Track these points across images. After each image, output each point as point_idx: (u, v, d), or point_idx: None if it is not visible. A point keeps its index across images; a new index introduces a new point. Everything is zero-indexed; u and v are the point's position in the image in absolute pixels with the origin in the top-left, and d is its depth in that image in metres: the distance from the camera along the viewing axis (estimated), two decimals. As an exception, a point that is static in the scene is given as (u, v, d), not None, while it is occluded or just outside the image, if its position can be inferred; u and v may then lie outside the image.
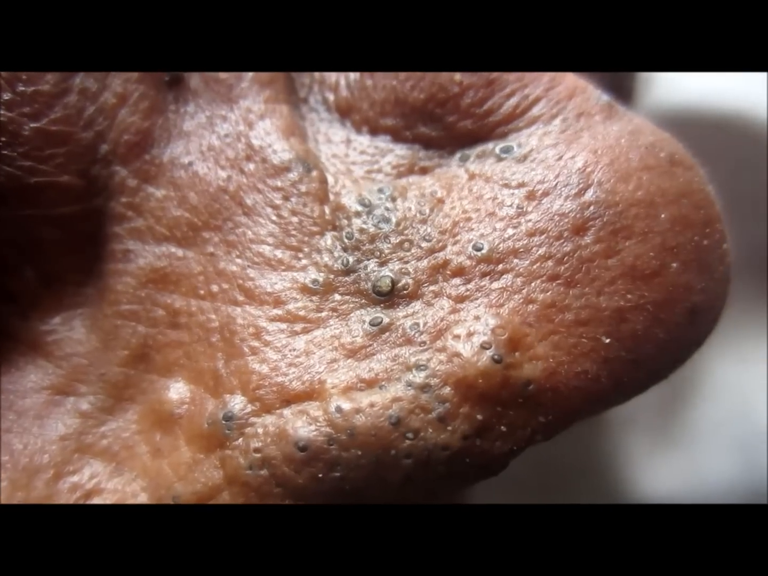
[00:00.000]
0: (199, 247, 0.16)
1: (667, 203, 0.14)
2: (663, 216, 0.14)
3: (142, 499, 0.14)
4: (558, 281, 0.13)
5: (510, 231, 0.14)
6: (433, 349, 0.13)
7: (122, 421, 0.15)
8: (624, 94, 0.28)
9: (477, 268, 0.14)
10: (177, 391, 0.15)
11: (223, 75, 0.17)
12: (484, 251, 0.14)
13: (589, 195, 0.14)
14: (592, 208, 0.14)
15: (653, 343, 0.14)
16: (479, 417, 0.13)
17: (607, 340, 0.13)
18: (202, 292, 0.15)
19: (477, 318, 0.13)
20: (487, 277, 0.14)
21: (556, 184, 0.14)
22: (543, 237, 0.14)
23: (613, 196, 0.14)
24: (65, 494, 0.14)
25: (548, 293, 0.13)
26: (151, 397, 0.15)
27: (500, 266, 0.14)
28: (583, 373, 0.13)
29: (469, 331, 0.13)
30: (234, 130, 0.16)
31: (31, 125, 0.14)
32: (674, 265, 0.14)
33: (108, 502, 0.14)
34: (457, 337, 0.13)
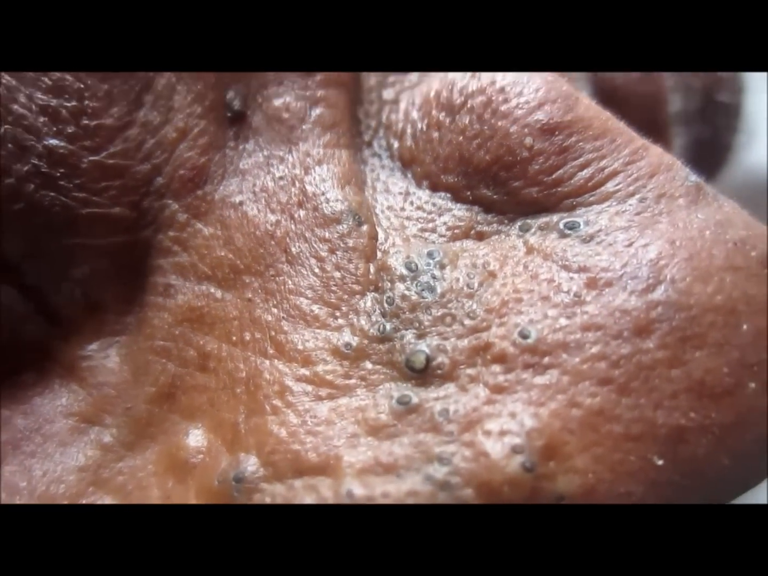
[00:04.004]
0: (239, 291, 0.15)
1: (751, 313, 0.12)
2: (745, 327, 0.12)
3: (148, 544, 0.14)
4: (610, 386, 0.12)
5: (563, 321, 0.13)
6: (460, 442, 0.12)
7: (140, 460, 0.15)
8: (722, 149, 0.25)
9: (520, 358, 0.13)
10: (196, 438, 0.14)
11: (285, 115, 0.16)
12: (530, 340, 0.13)
13: (658, 293, 0.12)
14: (660, 308, 0.12)
15: (714, 471, 0.12)
16: (501, 526, 0.12)
17: (660, 462, 0.12)
18: (234, 338, 0.15)
19: (513, 415, 0.12)
20: (530, 370, 0.13)
21: (622, 275, 0.13)
22: (599, 333, 0.12)
23: (687, 298, 0.12)
24: (76, 527, 0.14)
25: (596, 398, 0.12)
26: (171, 439, 0.15)
27: (546, 359, 0.12)
28: (625, 495, 0.12)
29: (502, 429, 0.12)
30: (290, 173, 0.16)
31: (90, 158, 0.15)
32: (752, 385, 0.12)
33: (115, 541, 0.14)
34: (487, 433, 0.12)
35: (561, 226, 0.14)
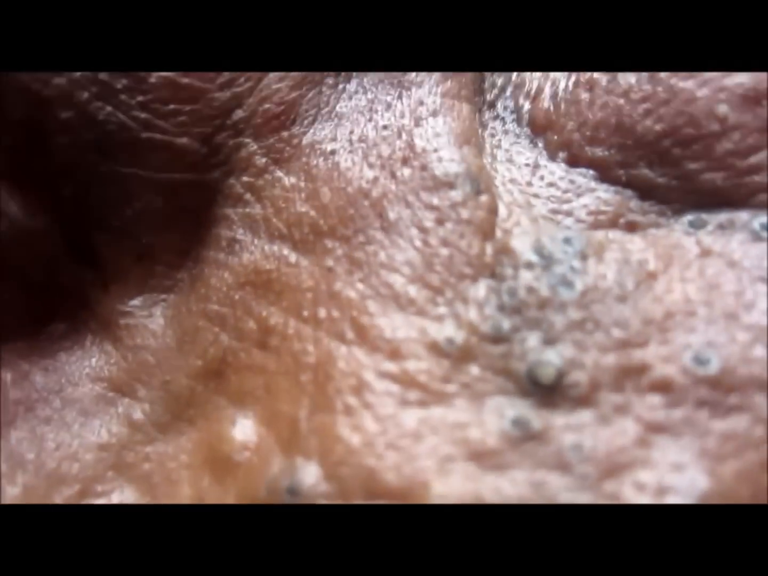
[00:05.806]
0: (318, 256, 0.12)
1: None
2: None
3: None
4: (828, 450, 0.09)
5: (759, 350, 0.09)
6: (599, 491, 0.09)
7: (173, 446, 0.12)
8: None
9: (693, 391, 0.09)
10: (243, 429, 0.12)
11: (400, 53, 0.13)
12: (710, 369, 0.09)
13: None
14: None
15: None
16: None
17: None
18: (306, 313, 0.12)
19: (677, 468, 0.09)
20: (706, 408, 0.09)
21: None
22: (817, 374, 0.09)
23: None
24: (84, 518, 0.12)
25: (807, 464, 0.09)
26: (213, 426, 0.12)
27: (732, 398, 0.09)
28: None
29: (660, 483, 0.09)
30: (396, 123, 0.13)
31: (160, 73, 0.12)
32: None
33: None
34: (639, 486, 0.09)
35: (756, 226, 0.11)
